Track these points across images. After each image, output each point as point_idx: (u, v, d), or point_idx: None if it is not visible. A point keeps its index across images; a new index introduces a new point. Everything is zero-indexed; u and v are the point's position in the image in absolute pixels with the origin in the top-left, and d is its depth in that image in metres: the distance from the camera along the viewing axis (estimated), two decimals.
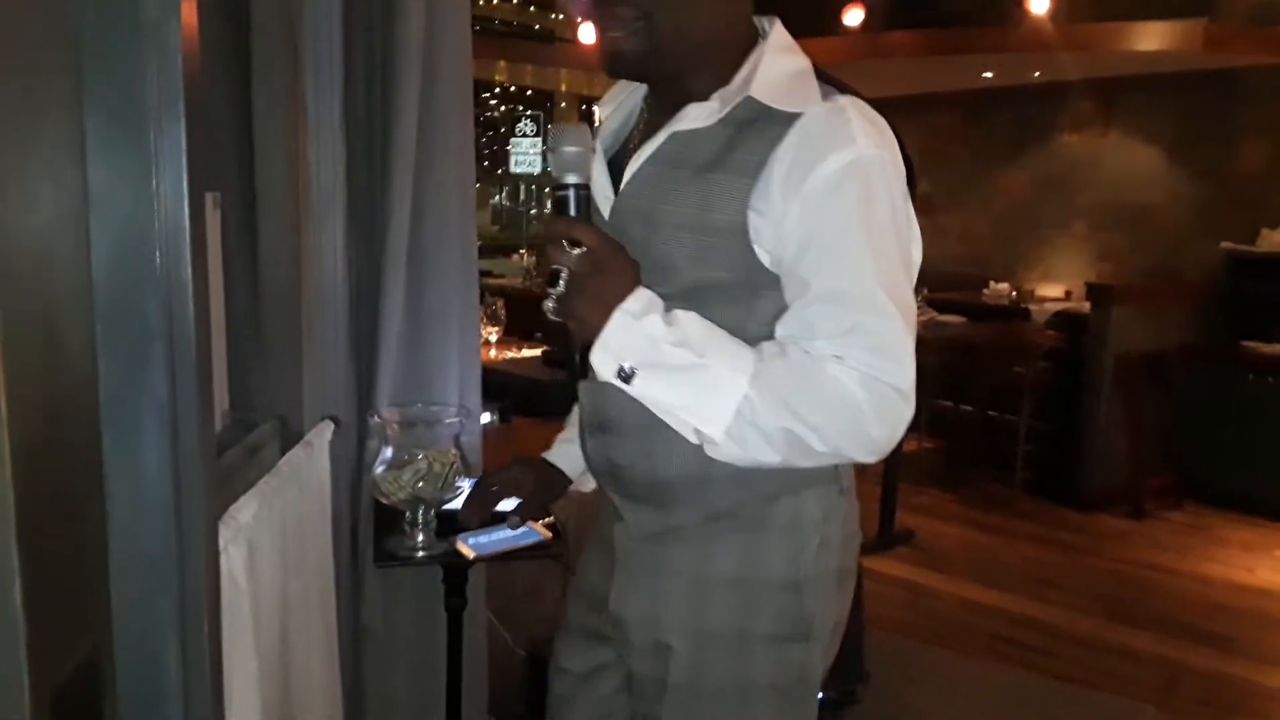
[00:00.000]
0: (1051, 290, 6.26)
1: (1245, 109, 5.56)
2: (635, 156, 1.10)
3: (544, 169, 10.87)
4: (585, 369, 1.01)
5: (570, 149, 0.99)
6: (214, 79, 1.28)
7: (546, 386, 2.56)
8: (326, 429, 1.35)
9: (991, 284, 6.29)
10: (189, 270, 0.73)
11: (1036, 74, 5.83)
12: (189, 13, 0.74)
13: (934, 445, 5.79)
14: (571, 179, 0.99)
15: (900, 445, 4.14)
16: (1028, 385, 5.28)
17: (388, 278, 1.57)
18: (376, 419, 1.39)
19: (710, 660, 1.13)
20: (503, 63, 7.21)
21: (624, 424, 1.12)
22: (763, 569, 1.13)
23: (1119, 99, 6.05)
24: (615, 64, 1.09)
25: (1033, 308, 5.77)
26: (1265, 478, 4.93)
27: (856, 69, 5.99)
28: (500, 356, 3.36)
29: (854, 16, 6.10)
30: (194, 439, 0.75)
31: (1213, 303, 5.46)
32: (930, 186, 7.19)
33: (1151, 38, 5.02)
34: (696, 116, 1.07)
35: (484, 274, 7.57)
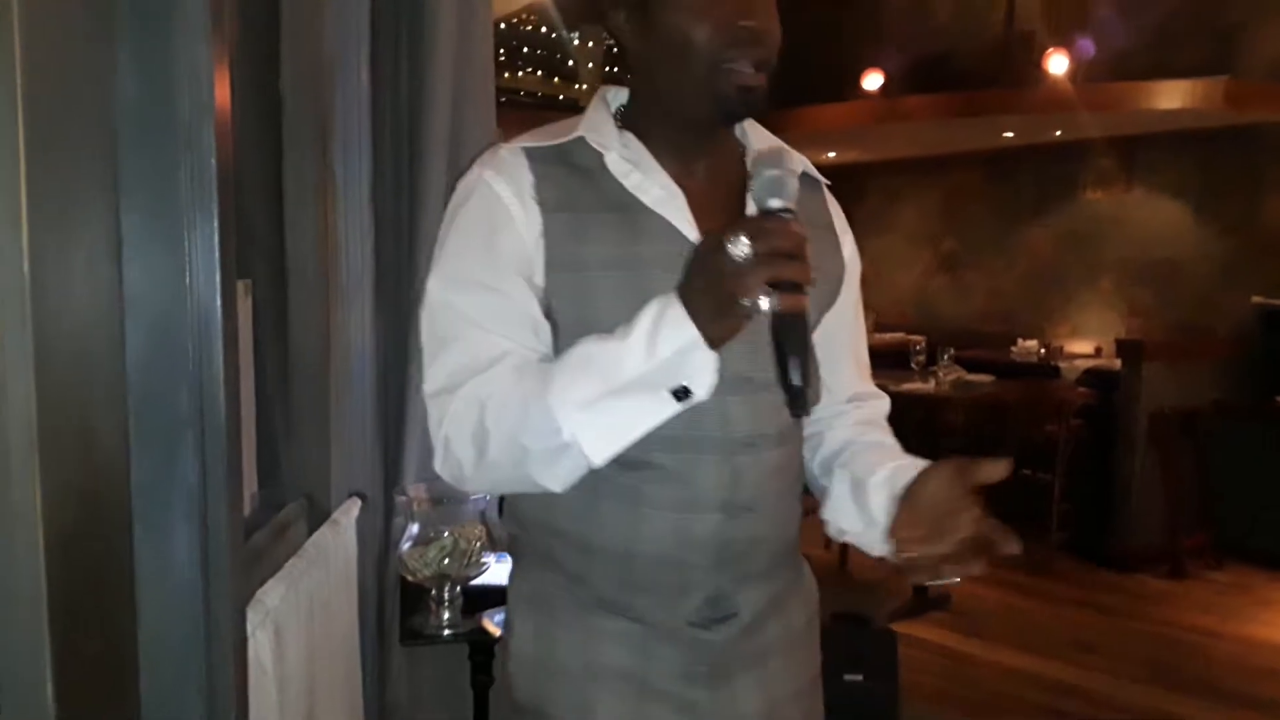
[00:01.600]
0: (1081, 347, 6.21)
1: (1270, 163, 5.55)
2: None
3: None
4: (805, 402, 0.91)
5: (774, 172, 0.92)
6: (245, 164, 1.32)
7: None
8: (353, 506, 1.36)
9: (1020, 341, 6.25)
10: (220, 363, 0.74)
11: (1058, 133, 5.86)
12: (222, 112, 0.77)
13: None
14: (776, 204, 0.92)
15: None
16: (1061, 443, 5.21)
17: (415, 354, 1.59)
18: (403, 496, 1.39)
19: (813, 712, 1.18)
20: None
21: (768, 494, 1.09)
22: (814, 599, 1.21)
23: (1141, 155, 6.06)
24: (755, 103, 1.03)
25: (1062, 365, 5.72)
26: None
27: (878, 132, 6.06)
28: None
29: (873, 81, 6.19)
30: (223, 529, 0.76)
31: (1245, 358, 5.39)
32: (955, 245, 7.20)
33: (1172, 96, 5.04)
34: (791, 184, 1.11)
35: None
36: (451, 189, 1.69)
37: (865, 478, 1.09)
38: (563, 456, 0.94)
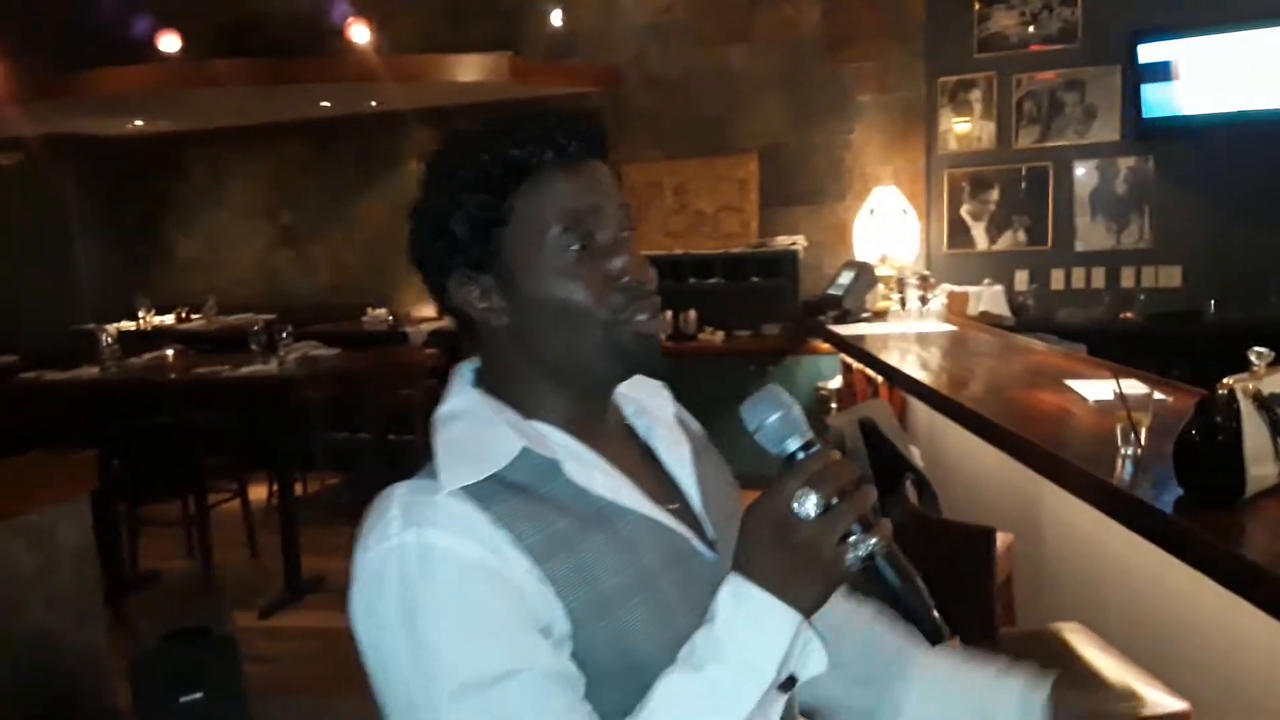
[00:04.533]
0: (429, 311, 6.52)
1: None
2: (679, 465, 1.02)
3: None
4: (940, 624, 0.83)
5: (778, 413, 0.84)
6: None
7: None
8: None
9: (370, 311, 6.34)
10: None
11: (374, 103, 5.99)
12: None
13: (338, 480, 5.68)
14: (796, 442, 0.83)
15: (291, 489, 3.89)
16: (417, 405, 5.41)
17: None
18: None
19: None
20: None
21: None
22: None
23: (454, 126, 6.49)
24: (657, 351, 0.95)
25: (410, 330, 5.94)
26: None
27: (187, 98, 5.60)
28: None
29: (170, 43, 5.67)
30: None
31: None
32: (291, 218, 7.02)
33: (468, 69, 5.44)
34: (668, 410, 1.07)
35: None
36: None
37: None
38: None
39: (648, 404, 1.05)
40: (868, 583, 0.84)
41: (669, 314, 5.85)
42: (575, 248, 0.90)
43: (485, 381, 0.97)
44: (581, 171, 0.92)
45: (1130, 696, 1.60)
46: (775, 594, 0.80)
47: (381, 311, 6.33)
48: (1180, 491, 1.65)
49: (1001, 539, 2.39)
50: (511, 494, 0.88)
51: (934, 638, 0.83)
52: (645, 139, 6.09)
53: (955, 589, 1.70)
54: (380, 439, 5.59)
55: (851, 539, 0.80)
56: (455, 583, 0.82)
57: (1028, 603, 2.59)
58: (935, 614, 0.83)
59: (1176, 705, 1.58)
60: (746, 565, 0.82)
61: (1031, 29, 5.44)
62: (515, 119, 0.93)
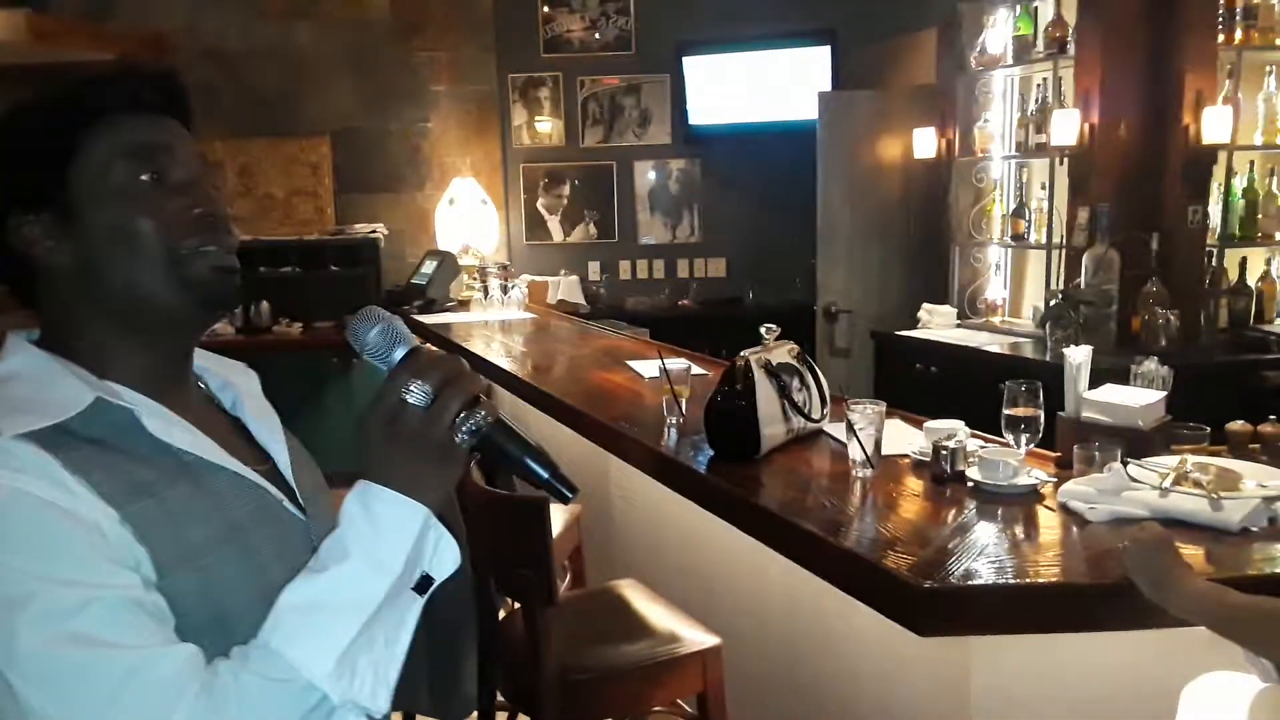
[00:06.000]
0: None
1: None
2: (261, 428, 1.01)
3: None
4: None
5: (377, 326, 0.85)
6: None
7: None
8: None
9: None
10: None
11: None
12: None
13: None
14: (403, 350, 0.85)
15: None
16: None
17: None
18: None
19: None
20: None
21: None
22: None
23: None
24: (235, 286, 0.93)
25: None
26: None
27: None
28: None
29: None
30: None
31: None
32: None
33: None
34: (255, 386, 1.05)
35: None
36: None
37: None
38: None
39: (233, 379, 1.04)
40: (491, 460, 0.88)
41: (239, 309, 5.44)
42: (144, 178, 0.89)
43: (48, 344, 0.91)
44: (156, 120, 0.92)
45: (672, 639, 1.79)
46: (398, 489, 0.82)
47: None
48: (711, 452, 1.87)
49: (570, 511, 2.54)
50: (85, 445, 0.83)
51: (563, 496, 0.88)
52: (202, 115, 5.58)
53: (516, 557, 1.78)
54: None
55: (459, 418, 0.83)
56: (25, 519, 0.78)
57: (602, 566, 2.78)
58: (560, 474, 0.87)
59: (709, 641, 1.79)
60: (368, 468, 0.84)
61: (593, 34, 5.80)
62: (90, 74, 0.93)
